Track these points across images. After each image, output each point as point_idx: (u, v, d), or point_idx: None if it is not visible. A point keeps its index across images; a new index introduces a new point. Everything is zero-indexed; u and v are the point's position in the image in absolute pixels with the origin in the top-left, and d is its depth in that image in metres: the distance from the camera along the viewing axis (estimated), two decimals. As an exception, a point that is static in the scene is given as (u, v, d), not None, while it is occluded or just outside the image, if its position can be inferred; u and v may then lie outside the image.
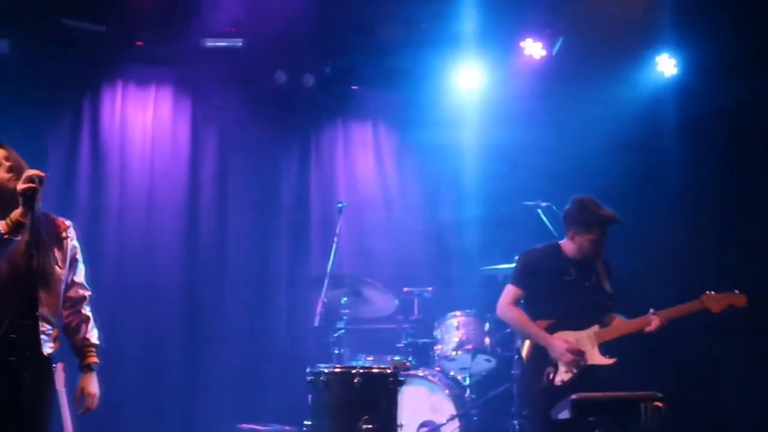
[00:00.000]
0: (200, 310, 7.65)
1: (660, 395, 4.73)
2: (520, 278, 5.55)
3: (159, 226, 7.62)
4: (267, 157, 8.10)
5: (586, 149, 7.78)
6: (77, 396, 4.21)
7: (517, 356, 5.66)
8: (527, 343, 5.47)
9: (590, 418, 4.80)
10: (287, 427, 6.71)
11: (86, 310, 4.21)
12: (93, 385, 4.22)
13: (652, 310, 5.37)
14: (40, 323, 3.79)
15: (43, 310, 3.83)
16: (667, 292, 6.87)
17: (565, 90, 7.97)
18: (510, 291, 5.55)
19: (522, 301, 5.57)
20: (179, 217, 7.70)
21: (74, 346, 4.21)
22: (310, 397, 5.57)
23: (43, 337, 3.87)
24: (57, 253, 4.02)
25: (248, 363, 7.68)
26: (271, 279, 7.92)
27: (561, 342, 5.28)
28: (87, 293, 4.23)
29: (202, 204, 7.81)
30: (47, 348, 3.93)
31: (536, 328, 5.38)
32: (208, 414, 7.34)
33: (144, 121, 7.71)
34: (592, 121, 7.86)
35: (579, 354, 5.27)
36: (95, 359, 4.22)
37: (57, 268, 4.00)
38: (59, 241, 4.06)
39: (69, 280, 4.14)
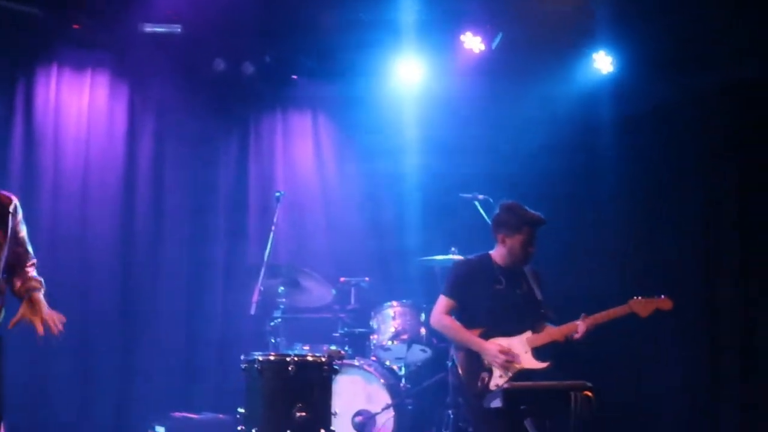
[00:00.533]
0: (135, 296, 7.55)
1: (589, 384, 4.82)
2: (452, 289, 5.65)
3: (94, 212, 7.48)
4: (205, 145, 8.02)
5: (524, 143, 7.89)
6: (39, 328, 4.06)
7: (451, 364, 5.72)
8: (462, 351, 5.54)
9: (521, 407, 4.88)
10: (221, 416, 6.69)
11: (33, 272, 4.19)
12: (43, 307, 4.10)
13: (583, 315, 5.46)
14: None
15: None
16: (604, 290, 7.02)
17: (503, 84, 8.03)
18: (443, 301, 5.64)
19: (455, 311, 5.65)
20: (114, 203, 7.58)
21: (18, 293, 4.16)
22: (244, 384, 5.54)
23: None
24: None
25: (183, 350, 7.63)
26: (208, 267, 7.87)
27: (494, 346, 5.38)
28: (34, 261, 4.23)
29: (138, 190, 7.70)
30: None
31: (469, 335, 5.47)
32: (141, 401, 7.27)
33: (79, 106, 7.55)
34: (530, 116, 7.96)
35: (512, 356, 5.36)
36: (37, 284, 4.17)
37: None
38: (2, 217, 3.97)
39: (22, 254, 4.12)
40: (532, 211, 5.57)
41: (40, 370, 7.02)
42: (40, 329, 4.04)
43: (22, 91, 7.39)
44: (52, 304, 6.83)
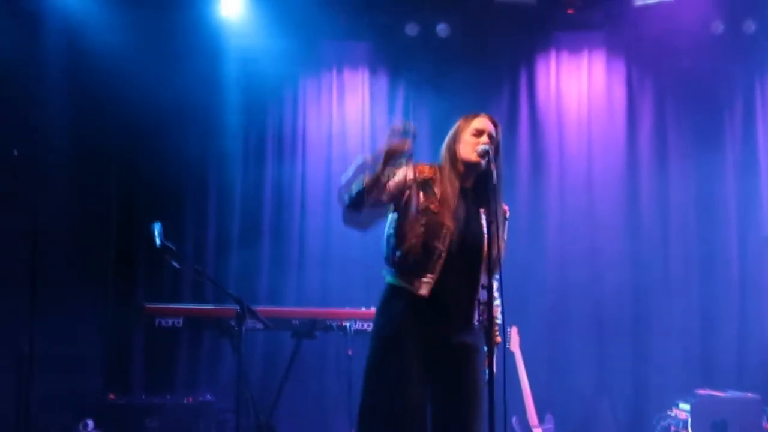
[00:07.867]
0: (645, 274, 7.51)
1: None
2: None
3: (600, 196, 7.63)
4: (706, 113, 7.67)
5: None
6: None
7: None
8: None
9: None
10: (749, 394, 6.37)
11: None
12: None
13: None
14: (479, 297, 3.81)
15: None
16: None
17: None
18: None
19: None
20: (619, 184, 7.64)
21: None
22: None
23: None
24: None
25: (697, 328, 7.40)
26: (718, 240, 7.51)
27: None
28: None
29: (641, 169, 7.65)
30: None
31: None
32: (658, 378, 7.25)
33: (579, 88, 7.76)
34: None
35: None
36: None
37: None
38: (503, 223, 3.96)
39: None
40: None
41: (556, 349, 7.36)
42: None
43: (525, 79, 7.79)
44: (567, 288, 7.18)
